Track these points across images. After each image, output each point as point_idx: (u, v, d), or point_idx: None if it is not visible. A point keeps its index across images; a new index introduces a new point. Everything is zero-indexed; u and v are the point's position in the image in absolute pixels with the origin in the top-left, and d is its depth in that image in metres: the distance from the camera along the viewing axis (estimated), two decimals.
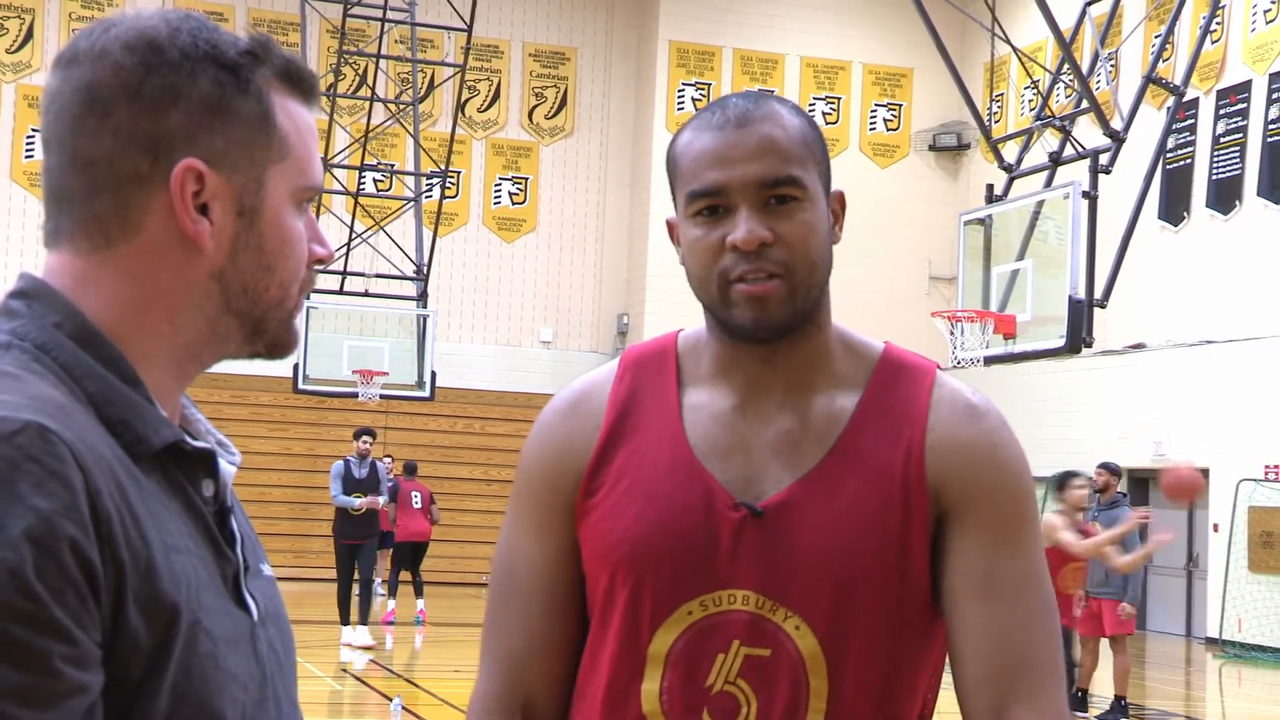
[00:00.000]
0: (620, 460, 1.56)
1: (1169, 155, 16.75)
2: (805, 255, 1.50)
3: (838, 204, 1.57)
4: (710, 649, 1.50)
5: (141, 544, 1.00)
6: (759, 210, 1.49)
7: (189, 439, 1.10)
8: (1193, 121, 17.11)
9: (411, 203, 17.99)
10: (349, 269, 17.28)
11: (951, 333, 11.97)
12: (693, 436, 1.54)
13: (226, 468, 1.13)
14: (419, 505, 14.87)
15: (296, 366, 16.22)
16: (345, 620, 12.67)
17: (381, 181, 20.12)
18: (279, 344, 1.15)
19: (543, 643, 1.58)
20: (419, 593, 14.88)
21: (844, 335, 1.59)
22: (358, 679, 11.29)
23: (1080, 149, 11.72)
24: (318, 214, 18.13)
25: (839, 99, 21.89)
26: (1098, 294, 11.01)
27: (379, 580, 17.12)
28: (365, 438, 13.10)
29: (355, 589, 12.94)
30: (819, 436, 1.53)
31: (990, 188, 12.79)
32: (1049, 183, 12.09)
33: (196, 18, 1.11)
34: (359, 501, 12.55)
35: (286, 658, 1.15)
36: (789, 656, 1.49)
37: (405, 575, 15.14)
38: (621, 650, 1.53)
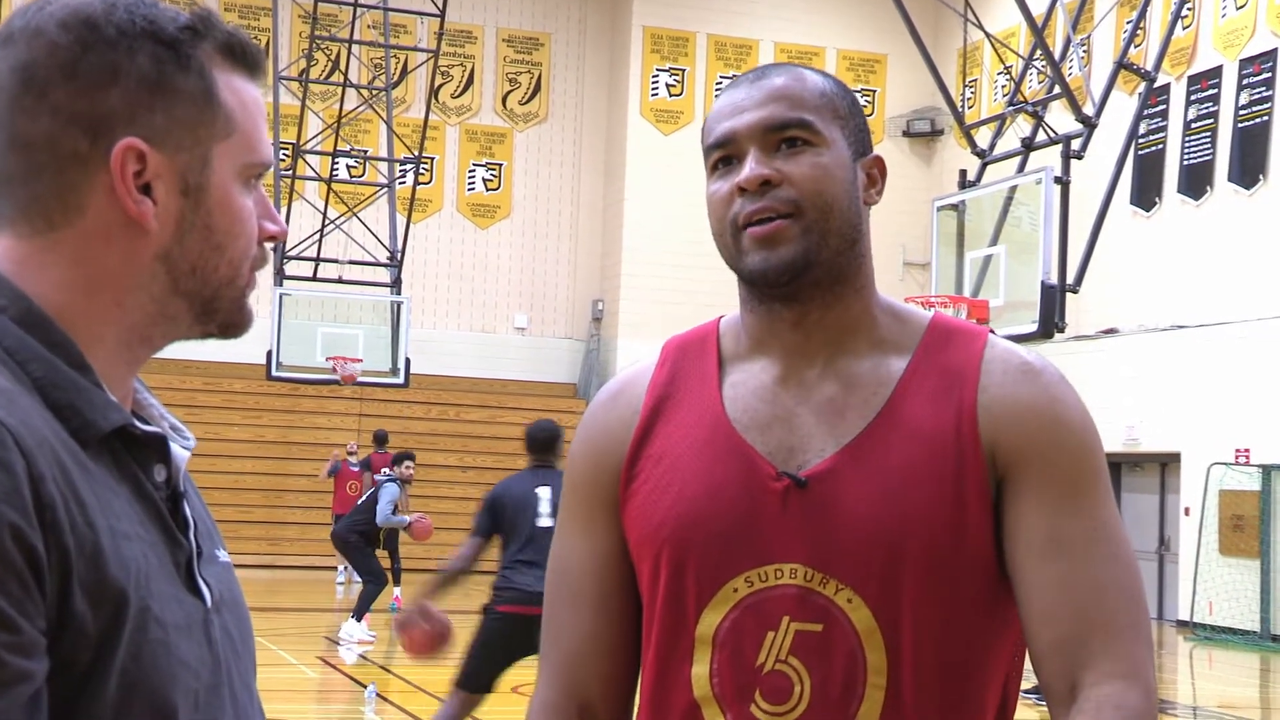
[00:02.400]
0: (659, 443, 1.52)
1: (1141, 141, 16.81)
2: (817, 194, 1.46)
3: (875, 168, 1.53)
4: (759, 627, 1.44)
5: (88, 530, 0.98)
6: (767, 154, 1.47)
7: (139, 423, 1.08)
8: (1164, 107, 17.18)
9: (385, 189, 17.92)
10: (322, 255, 17.21)
11: None
12: (732, 411, 1.50)
13: (179, 452, 1.11)
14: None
15: (270, 353, 16.15)
16: (360, 616, 12.54)
17: (355, 167, 20.03)
18: (231, 323, 1.13)
19: (596, 643, 1.54)
20: (396, 580, 14.84)
21: (891, 304, 1.55)
22: (332, 666, 11.26)
23: (1053, 135, 11.75)
24: (290, 200, 17.99)
25: None
26: (1070, 279, 11.05)
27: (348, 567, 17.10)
28: (408, 462, 12.91)
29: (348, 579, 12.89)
30: (864, 402, 1.47)
31: (963, 173, 12.81)
32: (1022, 168, 12.12)
33: None
34: (410, 519, 12.51)
35: (243, 644, 1.14)
36: (842, 631, 1.43)
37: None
38: (668, 634, 1.48)
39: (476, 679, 6.39)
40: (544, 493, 6.53)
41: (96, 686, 0.98)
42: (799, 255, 1.45)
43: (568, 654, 1.55)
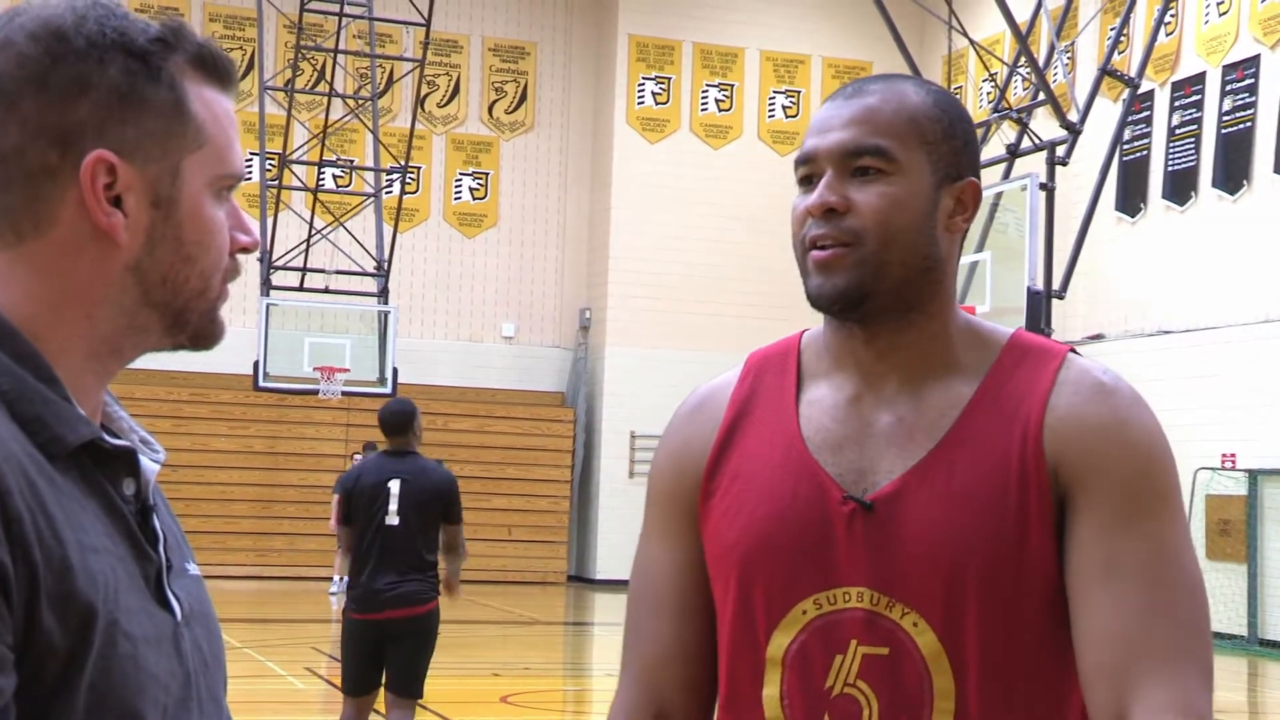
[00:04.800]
0: (736, 459, 1.53)
1: (1125, 147, 16.87)
2: (881, 226, 1.45)
3: (966, 194, 1.51)
4: (827, 650, 1.45)
5: (56, 544, 0.97)
6: (841, 178, 1.47)
7: (107, 437, 1.07)
8: (1148, 113, 17.24)
9: (371, 198, 17.90)
10: (309, 266, 17.18)
11: None
12: (806, 430, 1.50)
13: (149, 465, 1.10)
14: None
15: (257, 364, 16.11)
16: None
17: (341, 177, 20.01)
18: (202, 335, 1.13)
19: (674, 649, 1.55)
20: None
21: (971, 324, 1.54)
22: (321, 677, 11.23)
23: (1037, 141, 11.78)
24: (277, 210, 17.90)
25: (799, 92, 21.93)
26: (1056, 285, 11.08)
27: (344, 578, 17.04)
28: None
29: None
30: (932, 424, 1.47)
31: None
32: (1007, 175, 12.15)
33: (105, 5, 1.08)
34: None
35: (213, 657, 1.13)
36: (909, 655, 1.43)
37: None
38: (740, 655, 1.49)
39: (350, 683, 6.49)
40: (394, 487, 6.26)
41: (65, 701, 0.97)
42: (853, 284, 1.46)
43: (647, 660, 1.56)
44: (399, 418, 6.44)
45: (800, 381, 1.55)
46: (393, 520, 6.24)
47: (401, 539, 6.26)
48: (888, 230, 1.46)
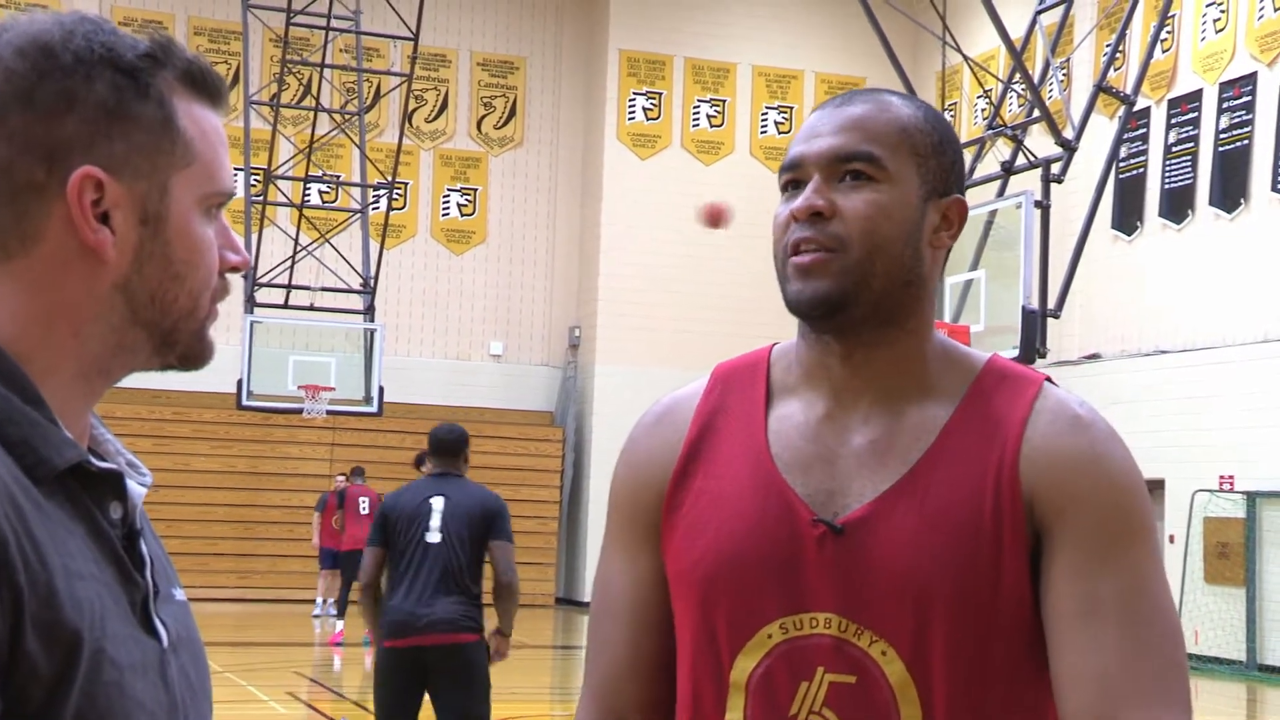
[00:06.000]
0: (701, 475, 1.52)
1: (1121, 164, 16.93)
2: (866, 234, 1.45)
3: (953, 210, 1.51)
4: (793, 676, 1.43)
5: (41, 569, 0.97)
6: (829, 184, 1.47)
7: (94, 460, 1.07)
8: (1145, 131, 17.31)
9: (358, 215, 17.90)
10: (294, 283, 17.17)
11: None
12: (775, 448, 1.49)
13: (136, 489, 1.10)
14: (367, 511, 14.68)
15: (241, 382, 16.09)
16: None
17: (327, 193, 20.01)
18: (191, 355, 1.12)
19: (633, 667, 1.54)
20: (340, 612, 14.71)
21: (946, 346, 1.53)
22: (304, 702, 11.18)
23: (1032, 158, 11.82)
24: (262, 227, 17.89)
25: (791, 108, 22.00)
26: (1051, 304, 11.10)
27: (329, 600, 17.00)
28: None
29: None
30: (906, 447, 1.46)
31: None
32: (1001, 192, 12.19)
33: (93, 20, 1.08)
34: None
35: (199, 684, 1.13)
36: (876, 684, 1.42)
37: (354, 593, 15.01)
38: (703, 677, 1.48)
39: (387, 717, 5.91)
40: (437, 504, 5.95)
41: None
42: (834, 291, 1.45)
43: (606, 677, 1.56)
44: (452, 438, 6.18)
45: (770, 396, 1.53)
46: (434, 537, 5.89)
47: (444, 558, 5.85)
48: (873, 238, 1.45)
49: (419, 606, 5.81)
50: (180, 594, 1.16)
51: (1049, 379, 1.52)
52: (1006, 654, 1.43)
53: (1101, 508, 1.42)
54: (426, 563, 5.87)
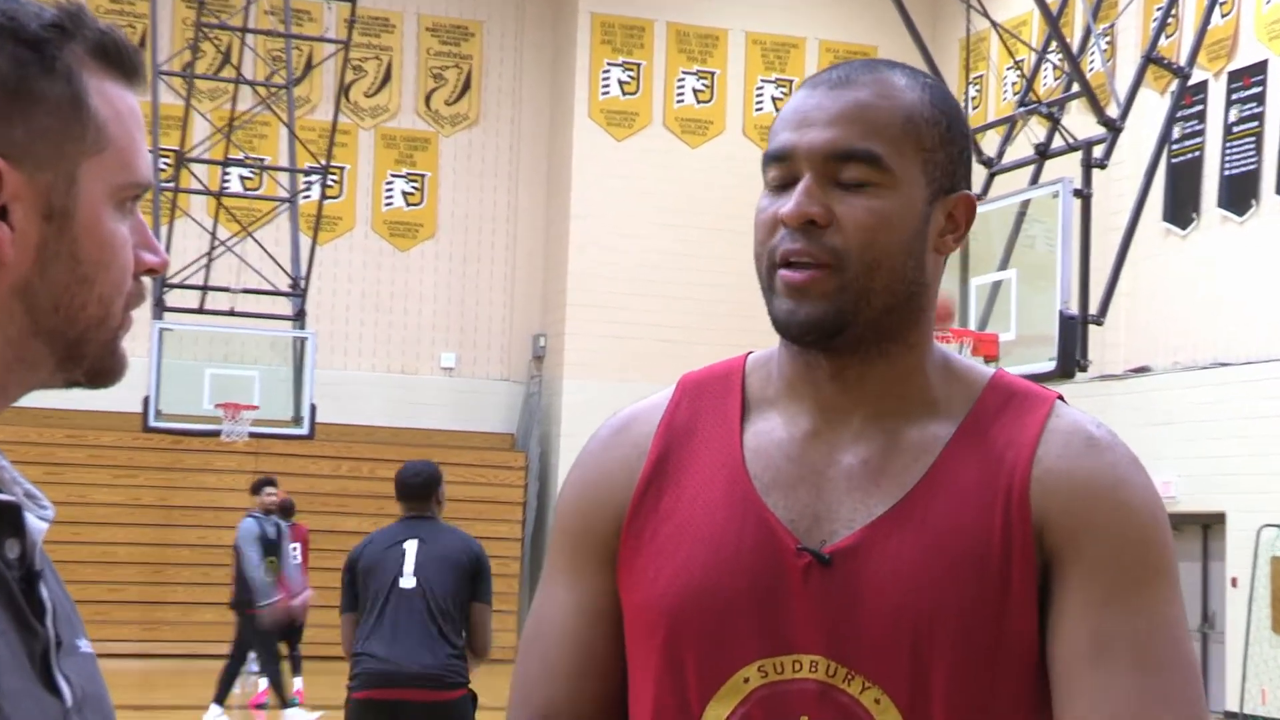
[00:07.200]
0: (668, 497, 1.53)
1: (1174, 147, 17.03)
2: (866, 248, 1.47)
3: (959, 209, 1.54)
4: None
5: None
6: (823, 185, 1.48)
7: None
8: (1201, 108, 17.42)
9: (286, 204, 17.88)
10: (211, 283, 17.13)
11: None
12: (753, 467, 1.51)
13: (36, 524, 1.11)
14: (298, 560, 14.65)
15: (147, 400, 16.04)
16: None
17: (250, 179, 19.98)
18: (101, 370, 1.13)
19: (570, 708, 1.55)
20: (296, 669, 14.69)
21: (947, 359, 1.57)
22: None
23: (1071, 140, 11.88)
24: (173, 218, 17.77)
25: (791, 81, 22.06)
26: (1093, 309, 11.15)
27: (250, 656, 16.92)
28: (269, 489, 13.17)
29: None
30: (903, 468, 1.49)
31: None
32: (1035, 179, 12.24)
33: None
34: (276, 600, 12.83)
35: None
36: None
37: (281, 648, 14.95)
38: None
39: None
40: (410, 546, 6.15)
41: None
42: (830, 314, 1.47)
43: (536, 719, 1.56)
44: (419, 481, 6.33)
45: (745, 410, 1.55)
46: (408, 583, 6.06)
47: (418, 606, 6.03)
48: (873, 252, 1.47)
49: (404, 658, 6.00)
50: (86, 645, 1.16)
51: (1060, 397, 1.55)
52: (1013, 703, 1.45)
53: (1119, 539, 1.45)
54: (403, 609, 6.06)
